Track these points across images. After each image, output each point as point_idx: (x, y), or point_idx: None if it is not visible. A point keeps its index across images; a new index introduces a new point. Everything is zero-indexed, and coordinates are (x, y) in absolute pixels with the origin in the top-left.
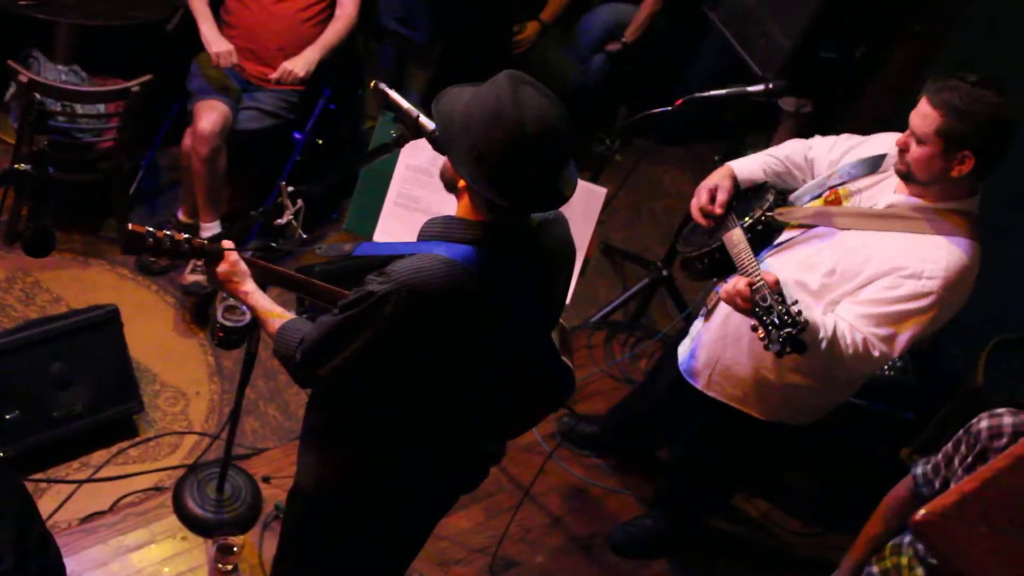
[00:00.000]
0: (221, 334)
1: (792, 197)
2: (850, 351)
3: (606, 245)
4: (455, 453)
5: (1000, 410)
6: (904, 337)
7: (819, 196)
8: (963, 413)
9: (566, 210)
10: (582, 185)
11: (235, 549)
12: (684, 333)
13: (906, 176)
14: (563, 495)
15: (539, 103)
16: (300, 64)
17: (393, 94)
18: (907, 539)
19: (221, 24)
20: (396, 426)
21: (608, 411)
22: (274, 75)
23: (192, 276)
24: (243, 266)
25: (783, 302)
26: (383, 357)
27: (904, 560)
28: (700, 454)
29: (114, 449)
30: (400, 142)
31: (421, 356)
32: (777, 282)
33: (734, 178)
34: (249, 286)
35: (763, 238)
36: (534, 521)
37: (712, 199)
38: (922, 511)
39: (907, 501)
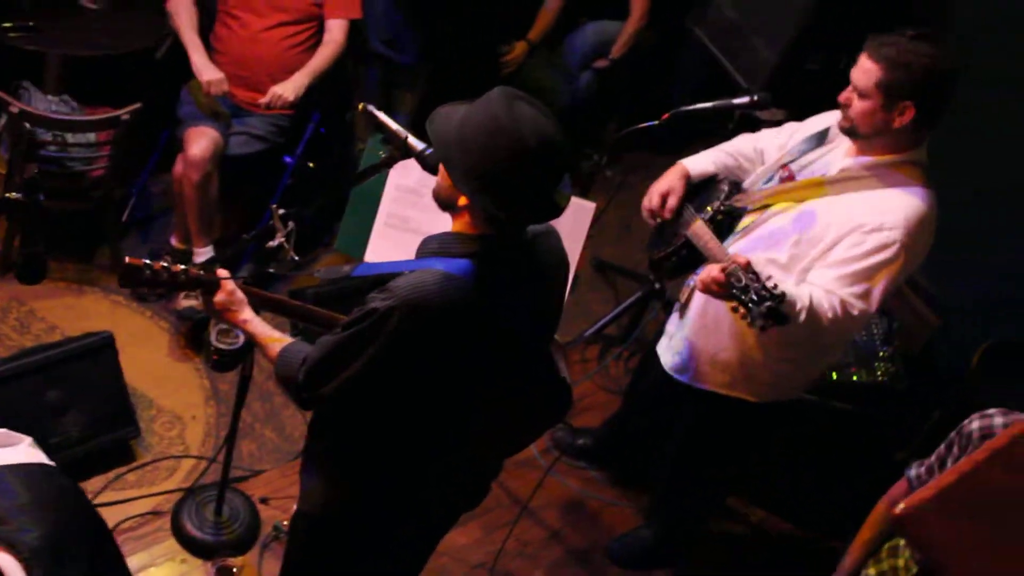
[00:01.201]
0: (216, 357)
1: (746, 184)
2: (829, 315)
3: (598, 260)
4: (457, 469)
5: (991, 411)
6: (878, 290)
7: (772, 178)
8: (956, 416)
9: (556, 225)
10: (571, 200)
11: (235, 570)
12: (660, 335)
13: (850, 131)
14: (561, 509)
15: (535, 116)
16: (289, 88)
17: (381, 115)
18: (903, 542)
19: (210, 51)
20: (399, 444)
21: (603, 423)
22: (264, 100)
23: (186, 301)
24: (240, 294)
25: (758, 279)
26: (387, 373)
27: (901, 562)
28: (693, 448)
29: (112, 475)
30: (389, 163)
31: (424, 371)
32: (749, 262)
33: (687, 176)
34: (247, 314)
35: (726, 227)
36: (532, 535)
37: (663, 204)
38: (902, 504)
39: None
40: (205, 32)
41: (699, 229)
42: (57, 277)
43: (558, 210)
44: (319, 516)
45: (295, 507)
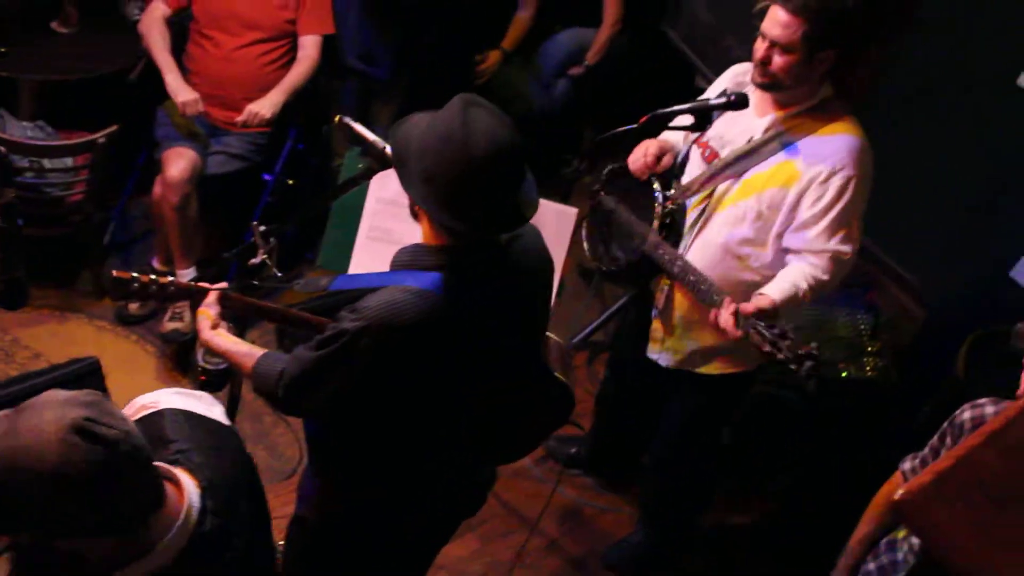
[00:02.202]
0: (203, 377)
1: (678, 172)
2: (826, 277)
3: (582, 267)
4: (452, 478)
5: (982, 400)
6: (855, 228)
7: (687, 155)
8: (947, 408)
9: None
10: (553, 207)
11: None
12: (629, 336)
13: (772, 86)
14: (557, 517)
15: (487, 124)
16: (266, 106)
17: (358, 127)
18: (900, 535)
19: (184, 72)
20: (390, 450)
21: (591, 428)
22: (240, 118)
23: (171, 324)
24: (211, 312)
25: (784, 335)
26: (364, 391)
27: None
28: (690, 430)
29: None
30: (368, 174)
31: (402, 386)
32: (758, 309)
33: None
34: (213, 333)
35: (677, 227)
36: (532, 545)
37: (657, 161)
38: (901, 491)
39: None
40: (178, 53)
41: (653, 243)
42: (40, 304)
43: (521, 219)
44: (317, 521)
45: (292, 512)
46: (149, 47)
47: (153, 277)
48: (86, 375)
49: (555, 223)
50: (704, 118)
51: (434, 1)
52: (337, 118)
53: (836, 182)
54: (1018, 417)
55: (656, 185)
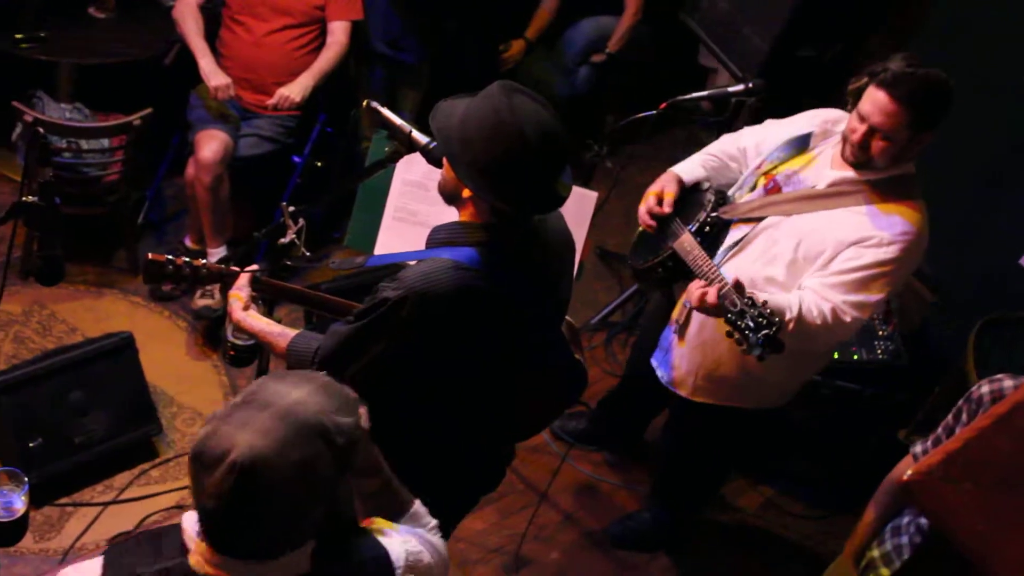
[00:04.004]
0: (232, 352)
1: (731, 192)
2: (819, 322)
3: (601, 249)
4: (476, 452)
5: (999, 375)
6: (874, 299)
7: (753, 185)
8: (956, 392)
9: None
10: (574, 190)
11: None
12: (656, 317)
13: (864, 165)
14: (574, 492)
15: (534, 109)
16: (296, 90)
17: (385, 111)
18: (905, 520)
19: (217, 56)
20: (417, 426)
21: (598, 404)
22: (271, 101)
23: (202, 301)
24: (244, 294)
25: (753, 304)
26: (401, 361)
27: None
28: (688, 447)
29: (136, 471)
30: (395, 157)
31: (437, 356)
32: (739, 282)
33: (680, 181)
34: (240, 315)
35: (713, 238)
36: (547, 519)
37: (659, 202)
38: (909, 471)
39: None
40: (211, 37)
41: (686, 243)
42: (76, 280)
43: (560, 200)
44: None
45: None
46: (183, 32)
47: (187, 260)
48: (120, 349)
49: (576, 206)
50: (721, 105)
51: None
52: (365, 102)
53: (878, 252)
54: None
55: (710, 195)
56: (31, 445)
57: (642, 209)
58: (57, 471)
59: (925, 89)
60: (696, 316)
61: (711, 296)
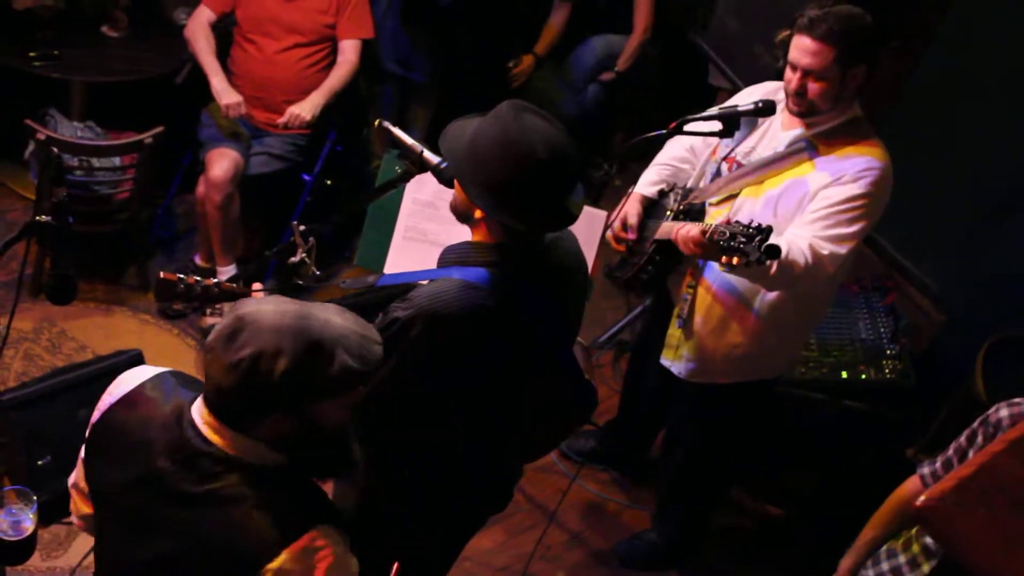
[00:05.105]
0: None
1: (691, 184)
2: (800, 261)
3: (610, 268)
4: (485, 472)
5: (1018, 399)
6: (848, 231)
7: (717, 171)
8: (964, 411)
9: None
10: (583, 209)
11: None
12: (651, 336)
13: (807, 113)
14: (580, 512)
15: (544, 128)
16: (307, 108)
17: (397, 131)
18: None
19: (228, 74)
20: (426, 445)
21: (606, 423)
22: (282, 120)
23: (211, 319)
24: None
25: (739, 223)
26: (411, 379)
27: (911, 553)
28: (707, 439)
29: None
30: (406, 177)
31: (447, 375)
32: (727, 220)
33: (642, 200)
34: None
35: (695, 219)
36: (554, 538)
37: (624, 227)
38: (922, 497)
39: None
40: (223, 56)
41: (666, 227)
42: (87, 298)
43: (572, 218)
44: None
45: None
46: (195, 51)
47: (198, 279)
48: (129, 366)
49: (585, 224)
50: (732, 124)
51: (468, 7)
52: (376, 122)
53: (844, 190)
54: None
55: (675, 193)
56: (40, 463)
57: (609, 236)
58: (65, 489)
59: (842, 23)
60: (699, 307)
61: (694, 232)
